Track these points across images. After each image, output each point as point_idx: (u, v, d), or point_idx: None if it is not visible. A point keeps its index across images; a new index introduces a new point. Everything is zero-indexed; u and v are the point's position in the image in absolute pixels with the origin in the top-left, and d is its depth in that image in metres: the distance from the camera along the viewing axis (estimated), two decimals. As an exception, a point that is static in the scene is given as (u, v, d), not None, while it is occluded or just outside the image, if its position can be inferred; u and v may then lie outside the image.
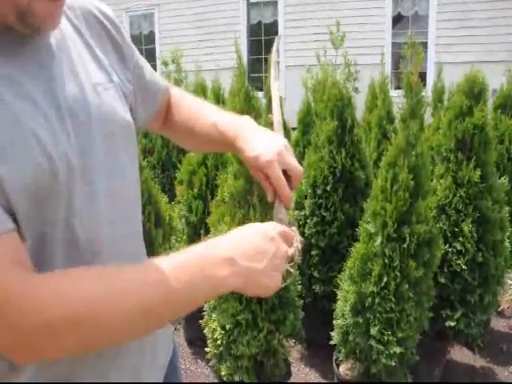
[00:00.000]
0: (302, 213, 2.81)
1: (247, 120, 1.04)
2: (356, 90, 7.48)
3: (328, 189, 2.78)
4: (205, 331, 2.28)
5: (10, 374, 0.77)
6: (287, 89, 9.23)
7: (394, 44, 9.04)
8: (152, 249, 2.80)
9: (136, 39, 11.18)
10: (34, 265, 0.72)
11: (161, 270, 0.71)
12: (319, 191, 2.79)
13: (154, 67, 10.46)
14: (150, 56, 10.94)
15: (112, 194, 0.84)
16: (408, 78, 2.38)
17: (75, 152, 0.77)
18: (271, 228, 0.81)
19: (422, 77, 8.31)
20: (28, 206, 0.71)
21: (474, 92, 2.69)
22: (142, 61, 1.03)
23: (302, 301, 2.32)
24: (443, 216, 2.59)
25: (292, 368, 2.54)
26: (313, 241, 2.72)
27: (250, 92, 2.55)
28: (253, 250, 0.77)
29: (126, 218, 0.89)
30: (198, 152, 2.82)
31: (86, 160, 0.79)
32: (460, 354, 3.10)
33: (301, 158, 3.47)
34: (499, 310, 3.55)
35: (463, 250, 2.51)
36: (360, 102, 5.44)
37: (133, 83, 0.96)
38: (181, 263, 0.73)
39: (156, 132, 1.85)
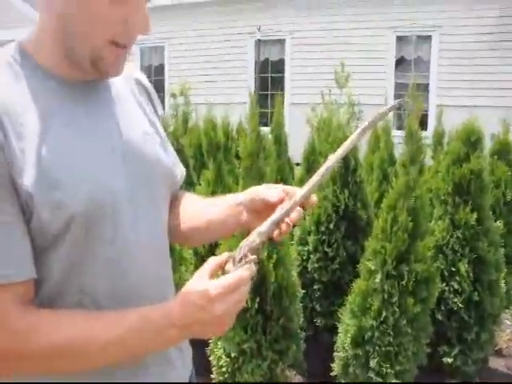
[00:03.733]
0: (306, 248, 2.94)
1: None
2: (359, 129, 7.67)
3: (331, 226, 2.91)
4: (210, 359, 2.38)
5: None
6: (291, 126, 9.45)
7: (396, 85, 9.30)
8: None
9: (146, 71, 11.48)
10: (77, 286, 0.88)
11: (123, 328, 0.83)
12: (323, 228, 2.92)
13: (162, 98, 10.67)
14: (159, 88, 11.22)
15: (151, 229, 0.97)
16: (409, 126, 2.55)
17: (123, 185, 0.91)
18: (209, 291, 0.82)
19: (423, 119, 8.54)
20: (77, 230, 0.84)
21: (471, 140, 2.86)
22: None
23: (303, 333, 2.43)
24: (441, 256, 2.72)
25: (293, 399, 2.62)
26: (315, 276, 2.84)
27: (260, 133, 2.69)
28: (195, 322, 0.82)
29: (161, 250, 1.02)
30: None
31: (132, 193, 0.92)
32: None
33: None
34: (497, 349, 3.61)
35: (460, 289, 2.63)
36: (364, 142, 5.63)
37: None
38: (139, 325, 0.84)
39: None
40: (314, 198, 0.95)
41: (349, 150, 0.96)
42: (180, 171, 1.16)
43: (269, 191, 0.97)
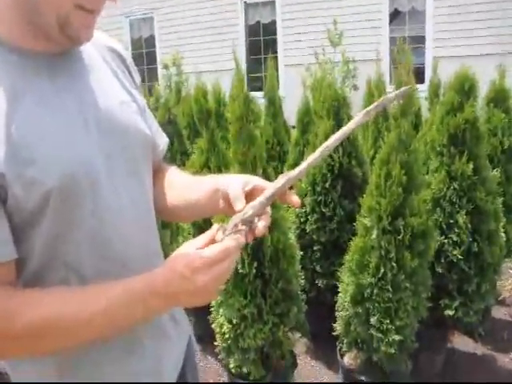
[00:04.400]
0: (303, 210, 2.92)
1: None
2: (355, 87, 7.56)
3: (327, 186, 2.88)
4: (213, 326, 2.39)
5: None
6: (286, 88, 9.33)
7: (392, 39, 9.11)
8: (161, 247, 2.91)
9: (136, 43, 11.29)
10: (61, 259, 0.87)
11: (106, 301, 0.82)
12: (318, 188, 2.90)
13: (155, 70, 10.54)
14: (151, 60, 11.06)
15: (133, 197, 0.96)
16: (398, 79, 2.49)
17: (99, 156, 0.89)
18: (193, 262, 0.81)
19: (420, 71, 8.39)
20: (55, 204, 0.83)
21: (465, 89, 2.79)
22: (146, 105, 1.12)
23: (305, 295, 2.43)
24: (438, 208, 2.69)
25: (298, 361, 2.65)
26: (314, 236, 2.83)
27: (248, 97, 2.64)
28: (180, 292, 0.81)
29: (146, 220, 1.00)
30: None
31: (109, 163, 0.91)
32: (461, 343, 3.19)
33: (300, 157, 3.57)
34: (500, 298, 3.63)
35: (458, 241, 2.61)
36: (360, 99, 5.55)
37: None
38: (123, 296, 0.83)
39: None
40: (296, 198, 0.93)
41: (346, 135, 0.92)
42: (163, 141, 1.15)
43: (234, 192, 0.92)
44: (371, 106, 0.94)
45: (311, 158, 0.91)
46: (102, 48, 1.02)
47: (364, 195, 2.50)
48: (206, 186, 1.02)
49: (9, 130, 0.79)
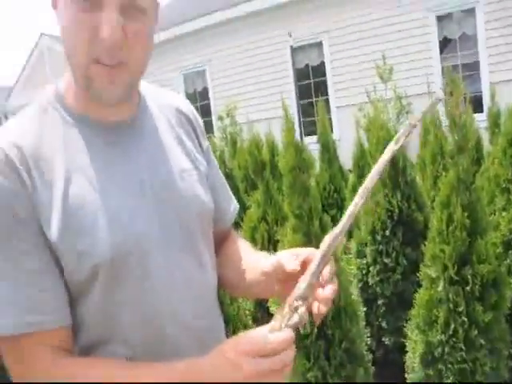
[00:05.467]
0: (364, 261, 2.82)
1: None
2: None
3: (387, 234, 2.78)
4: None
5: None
6: (340, 130, 9.27)
7: (444, 69, 8.91)
8: (221, 308, 2.89)
9: (191, 97, 11.66)
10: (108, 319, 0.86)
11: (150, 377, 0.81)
12: (379, 237, 2.80)
13: (210, 122, 10.79)
14: (206, 112, 11.36)
15: (187, 274, 0.93)
16: (450, 113, 2.38)
17: (153, 228, 0.88)
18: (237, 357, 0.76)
19: (477, 99, 8.11)
20: (104, 277, 0.84)
21: (528, 115, 2.66)
22: (217, 169, 1.12)
23: (371, 355, 2.30)
24: (510, 252, 2.53)
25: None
26: (378, 290, 2.71)
27: (299, 146, 2.62)
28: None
29: (202, 299, 0.96)
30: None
31: (163, 235, 0.90)
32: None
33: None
34: None
35: (538, 287, 2.42)
36: (415, 135, 5.42)
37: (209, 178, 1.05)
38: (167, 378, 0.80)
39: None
40: (332, 267, 0.86)
41: (383, 169, 0.88)
42: (231, 207, 1.12)
43: (287, 260, 0.90)
44: (399, 133, 0.90)
45: (352, 207, 0.85)
46: (169, 109, 1.01)
47: (426, 242, 2.38)
48: (260, 270, 0.98)
49: (65, 202, 0.82)
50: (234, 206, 1.13)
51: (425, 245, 2.37)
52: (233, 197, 1.15)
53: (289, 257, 0.91)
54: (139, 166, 0.90)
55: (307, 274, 0.83)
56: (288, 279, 0.89)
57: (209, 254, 1.00)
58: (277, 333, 0.75)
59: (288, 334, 0.75)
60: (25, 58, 15.86)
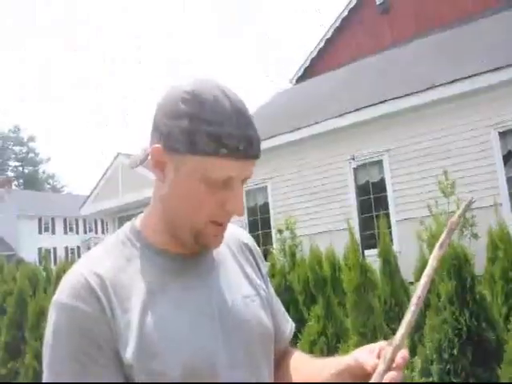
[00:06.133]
0: (430, 379, 2.64)
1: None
2: (475, 236, 7.21)
3: (455, 352, 2.62)
4: None
5: None
6: (400, 242, 9.12)
7: (509, 180, 8.77)
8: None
9: (252, 210, 11.96)
10: None
11: None
12: (446, 356, 2.64)
13: (270, 234, 10.91)
14: (265, 224, 11.55)
15: None
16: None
17: (220, 350, 0.93)
18: None
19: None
20: None
21: None
22: (274, 293, 1.18)
23: None
24: None
25: None
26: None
27: (364, 266, 2.63)
28: None
29: None
30: None
31: (229, 357, 0.94)
32: None
33: (422, 318, 3.34)
34: None
35: None
36: (481, 248, 5.23)
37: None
38: None
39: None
40: (405, 353, 0.88)
41: (432, 276, 0.92)
42: (288, 327, 1.18)
43: (365, 358, 0.92)
44: (441, 238, 0.93)
45: (408, 317, 0.88)
46: (232, 241, 1.11)
47: (501, 362, 2.23)
48: (331, 368, 1.00)
49: (141, 326, 0.88)
50: (291, 326, 1.20)
51: (499, 367, 2.22)
52: (289, 318, 1.21)
53: (366, 354, 0.93)
54: (208, 292, 0.98)
55: (374, 376, 0.84)
56: (366, 377, 0.90)
57: (269, 375, 1.04)
58: None
59: None
60: (101, 173, 17.13)
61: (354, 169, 9.63)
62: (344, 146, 10.23)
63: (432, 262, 0.92)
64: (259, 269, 1.13)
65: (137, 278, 0.93)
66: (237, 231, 1.16)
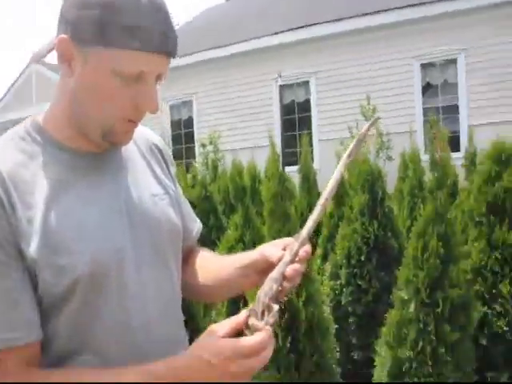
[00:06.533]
0: (338, 282, 2.87)
1: None
2: (390, 158, 7.61)
3: (362, 259, 2.84)
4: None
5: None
6: (321, 161, 9.45)
7: (425, 110, 9.20)
8: (194, 321, 2.89)
9: (176, 124, 11.78)
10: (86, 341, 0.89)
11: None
12: (354, 261, 2.86)
13: (193, 149, 10.88)
14: (189, 139, 11.47)
15: (158, 288, 0.98)
16: (432, 151, 2.50)
17: (129, 247, 0.93)
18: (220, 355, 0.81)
19: (455, 139, 8.36)
20: (82, 291, 0.87)
21: (502, 158, 2.77)
22: (182, 193, 1.18)
23: (340, 368, 2.33)
24: (479, 278, 2.60)
25: None
26: (349, 309, 2.76)
27: (283, 175, 2.70)
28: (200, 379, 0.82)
29: (171, 311, 1.01)
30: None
31: (138, 254, 0.94)
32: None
33: (335, 230, 3.56)
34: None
35: (503, 311, 2.49)
36: (394, 169, 5.55)
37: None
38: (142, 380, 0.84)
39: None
40: (308, 248, 0.94)
41: (338, 185, 0.97)
42: (195, 226, 1.19)
43: (271, 251, 0.97)
44: (350, 147, 0.98)
45: (314, 215, 0.93)
46: (141, 141, 1.08)
47: (400, 267, 2.44)
48: (236, 263, 1.05)
49: (45, 220, 0.85)
50: (198, 225, 1.20)
51: (399, 270, 2.44)
52: (197, 218, 1.21)
53: (271, 248, 0.98)
54: (116, 190, 0.96)
55: (275, 272, 0.88)
56: (271, 269, 0.94)
57: (177, 271, 1.05)
58: (257, 334, 0.81)
59: (266, 334, 0.80)
60: (13, 78, 15.99)
61: (280, 87, 9.66)
62: (272, 65, 10.16)
63: (340, 168, 0.97)
64: (168, 170, 1.12)
65: (40, 174, 0.89)
66: (146, 132, 1.13)
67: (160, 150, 1.12)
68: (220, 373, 0.79)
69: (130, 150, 1.03)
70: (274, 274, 0.88)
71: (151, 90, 0.90)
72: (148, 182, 1.03)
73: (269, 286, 0.86)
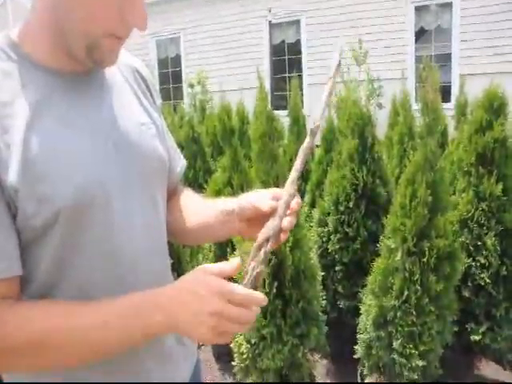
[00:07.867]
0: (326, 229, 2.87)
1: None
2: (380, 105, 7.51)
3: (350, 205, 2.83)
4: (231, 345, 2.35)
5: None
6: (310, 106, 9.32)
7: (417, 57, 9.05)
8: (180, 265, 2.90)
9: (163, 62, 11.46)
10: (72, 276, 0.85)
11: (105, 313, 0.80)
12: (342, 208, 2.84)
13: (181, 89, 10.66)
14: (177, 78, 11.19)
15: (145, 221, 0.93)
16: (424, 97, 2.44)
17: (114, 177, 0.88)
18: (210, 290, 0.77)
19: (446, 89, 8.29)
20: (65, 223, 0.82)
21: (494, 107, 2.73)
22: (167, 128, 1.12)
23: (326, 316, 2.37)
24: (465, 230, 2.62)
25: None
26: (336, 257, 2.77)
27: (271, 115, 2.63)
28: (183, 311, 0.77)
29: (157, 245, 0.98)
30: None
31: (124, 185, 0.89)
32: (489, 370, 3.06)
33: (323, 175, 3.53)
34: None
35: (487, 264, 2.53)
36: (384, 117, 5.49)
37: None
38: (122, 309, 0.81)
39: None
40: (298, 199, 0.91)
41: (317, 131, 0.94)
42: (180, 164, 1.14)
43: (261, 200, 0.94)
44: (332, 71, 0.97)
45: (298, 162, 0.90)
46: (125, 68, 1.01)
47: (388, 215, 2.44)
48: (220, 208, 1.01)
49: (25, 146, 0.79)
50: (183, 163, 1.15)
51: (386, 218, 2.43)
52: (181, 156, 1.16)
53: (260, 198, 0.94)
54: (100, 114, 0.90)
55: (276, 214, 0.86)
56: (258, 219, 0.92)
57: (163, 206, 1.01)
58: (255, 292, 0.77)
59: (263, 297, 0.77)
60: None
61: (270, 24, 9.37)
62: (261, 1, 9.82)
63: (325, 94, 0.97)
64: (153, 99, 1.06)
65: (17, 94, 0.81)
66: (130, 57, 1.05)
67: (144, 78, 1.05)
68: (203, 306, 0.74)
69: (114, 74, 0.96)
70: (272, 226, 0.85)
71: (139, 3, 0.83)
72: (134, 109, 0.97)
73: (264, 237, 0.83)
